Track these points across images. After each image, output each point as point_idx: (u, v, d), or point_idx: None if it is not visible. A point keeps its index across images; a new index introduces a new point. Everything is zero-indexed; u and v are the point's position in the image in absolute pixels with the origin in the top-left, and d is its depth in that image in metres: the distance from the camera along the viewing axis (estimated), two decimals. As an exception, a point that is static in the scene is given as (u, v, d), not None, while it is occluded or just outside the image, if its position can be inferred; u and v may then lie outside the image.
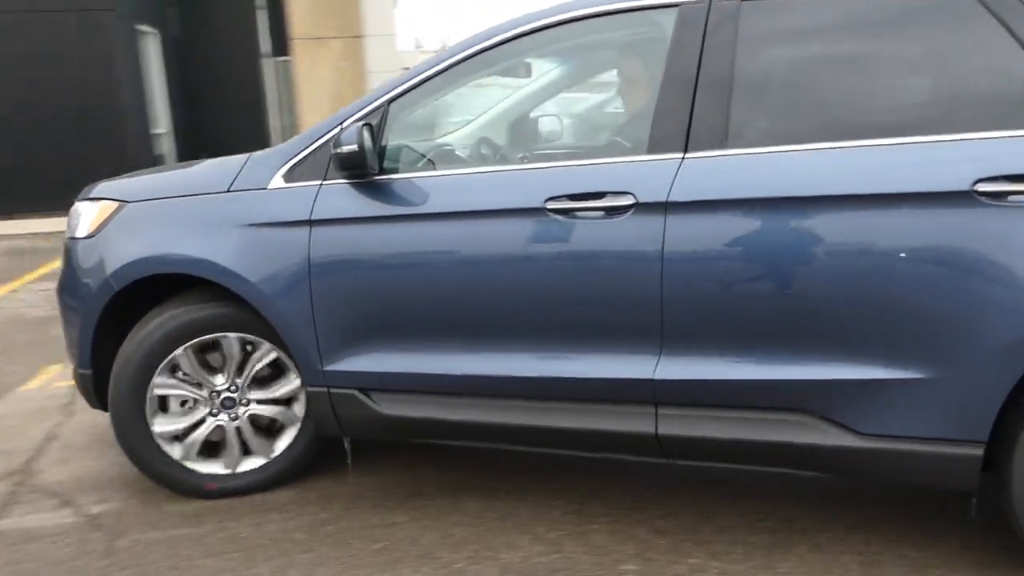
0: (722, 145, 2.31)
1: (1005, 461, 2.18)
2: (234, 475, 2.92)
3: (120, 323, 2.88)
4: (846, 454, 2.27)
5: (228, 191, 2.77)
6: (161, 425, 2.85)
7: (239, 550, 2.61)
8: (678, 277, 2.30)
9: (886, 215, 2.15)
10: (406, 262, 2.60)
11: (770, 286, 2.28)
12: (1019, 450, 2.15)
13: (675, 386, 2.38)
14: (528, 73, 3.52)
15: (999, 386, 2.11)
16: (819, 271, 2.22)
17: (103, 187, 3.05)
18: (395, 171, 2.64)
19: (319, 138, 2.69)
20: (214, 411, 2.87)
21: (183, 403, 2.89)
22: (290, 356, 2.78)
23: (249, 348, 2.85)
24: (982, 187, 2.05)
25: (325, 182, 2.65)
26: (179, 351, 2.79)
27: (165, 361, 2.79)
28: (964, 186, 2.07)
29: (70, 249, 2.98)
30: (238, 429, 2.89)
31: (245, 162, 2.81)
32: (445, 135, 3.47)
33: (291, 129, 11.99)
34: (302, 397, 2.87)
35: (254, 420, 2.91)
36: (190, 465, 2.89)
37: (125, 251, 2.80)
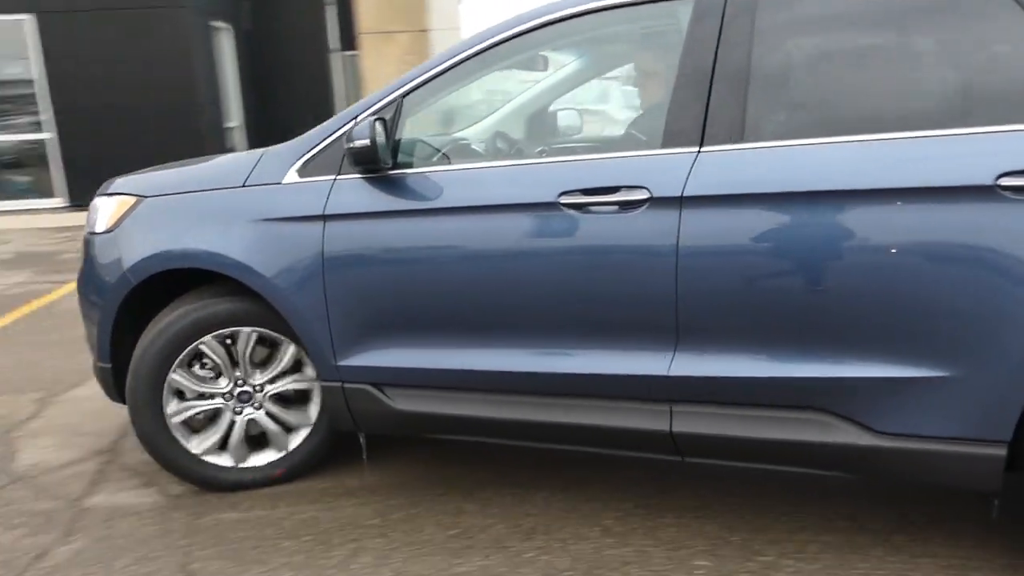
0: (738, 139, 2.27)
1: None
2: (290, 454, 2.97)
3: (139, 318, 2.90)
4: (864, 453, 2.23)
5: (243, 186, 2.76)
6: (177, 417, 2.89)
7: (314, 533, 2.67)
8: (693, 273, 2.27)
9: (906, 210, 2.10)
10: (419, 257, 2.58)
11: (786, 282, 2.24)
12: None
13: (690, 383, 2.35)
14: (545, 66, 3.47)
15: (1022, 385, 2.04)
16: (836, 267, 2.18)
17: (120, 182, 3.08)
18: (409, 165, 2.63)
19: (333, 133, 2.68)
20: (236, 408, 2.91)
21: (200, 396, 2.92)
22: (304, 350, 2.80)
23: (266, 343, 2.86)
24: (1006, 181, 1.99)
25: (339, 177, 2.64)
26: (189, 348, 2.81)
27: (183, 355, 2.82)
28: (987, 180, 2.01)
29: (89, 244, 3.01)
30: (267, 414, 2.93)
31: (260, 157, 2.81)
32: (459, 129, 3.45)
33: (358, 122, 12.11)
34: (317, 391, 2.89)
35: (279, 400, 2.93)
36: (210, 459, 2.93)
37: (142, 246, 2.83)
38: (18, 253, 8.08)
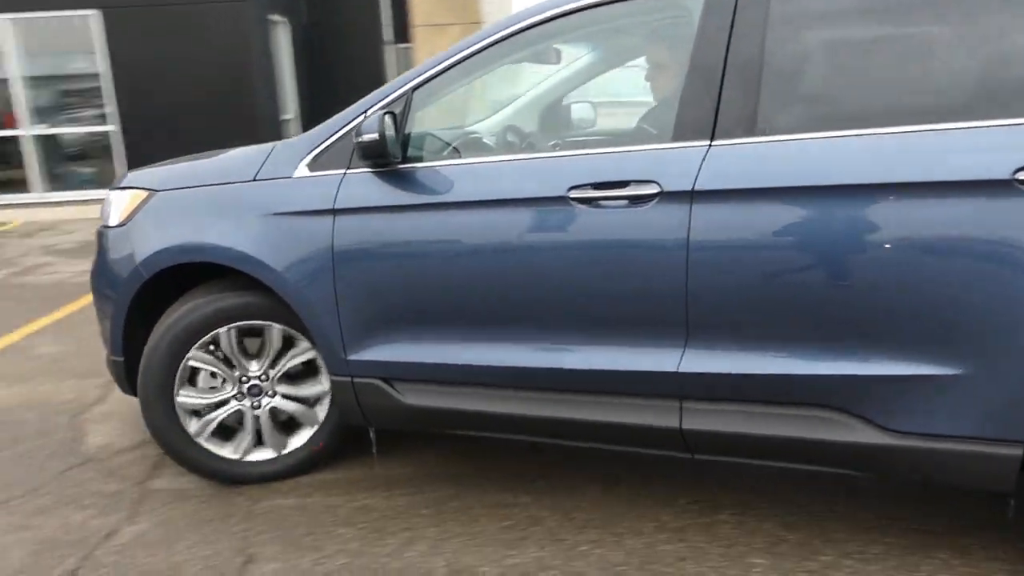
0: (751, 132, 2.22)
1: None
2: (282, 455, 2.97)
3: (151, 311, 2.92)
4: (876, 452, 2.18)
5: (254, 180, 2.76)
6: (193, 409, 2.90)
7: (369, 521, 2.71)
8: (704, 268, 2.23)
9: (921, 205, 2.04)
10: (428, 251, 2.56)
11: (798, 278, 2.19)
12: None
13: (700, 380, 2.31)
14: (558, 59, 3.41)
15: None
16: (849, 263, 2.13)
17: (133, 176, 3.09)
18: (419, 159, 2.61)
19: (344, 126, 2.66)
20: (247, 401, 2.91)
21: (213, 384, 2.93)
22: (314, 344, 2.79)
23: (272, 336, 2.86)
24: None
25: (349, 171, 2.63)
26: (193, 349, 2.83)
27: (196, 345, 2.83)
28: (1004, 174, 1.95)
29: (103, 237, 3.03)
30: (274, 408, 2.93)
31: (271, 151, 2.81)
32: (469, 123, 3.42)
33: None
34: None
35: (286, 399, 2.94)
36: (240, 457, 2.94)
37: (153, 240, 2.83)
38: (82, 243, 8.33)
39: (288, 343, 2.87)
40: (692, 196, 2.23)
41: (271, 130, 11.66)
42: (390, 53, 14.00)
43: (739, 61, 2.24)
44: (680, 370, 2.32)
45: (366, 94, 2.72)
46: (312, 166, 2.69)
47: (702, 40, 2.30)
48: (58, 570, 2.51)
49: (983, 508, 2.57)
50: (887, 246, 2.08)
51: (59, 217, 10.16)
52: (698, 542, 2.50)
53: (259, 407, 2.92)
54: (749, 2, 2.26)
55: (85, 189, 10.91)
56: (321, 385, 2.90)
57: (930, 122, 2.08)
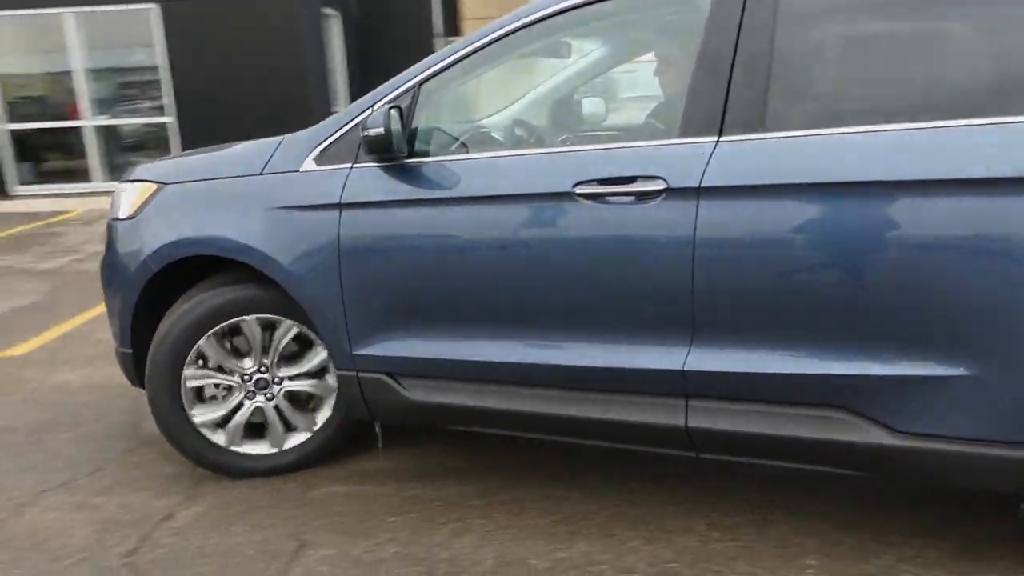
0: (759, 128, 2.17)
1: None
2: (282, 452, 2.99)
3: (160, 304, 2.93)
4: (883, 453, 2.14)
5: (261, 173, 2.76)
6: (201, 413, 2.93)
7: (419, 510, 2.73)
8: (710, 265, 2.20)
9: (932, 202, 1.99)
10: (434, 246, 2.55)
11: (805, 276, 2.15)
12: None
13: (706, 378, 2.28)
14: (568, 53, 3.37)
15: None
16: (858, 261, 2.08)
17: (142, 169, 3.09)
18: (425, 154, 2.60)
19: (351, 120, 2.65)
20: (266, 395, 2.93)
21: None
22: (320, 338, 2.78)
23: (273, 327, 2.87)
24: None
25: (355, 165, 2.61)
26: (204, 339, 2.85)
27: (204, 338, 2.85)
28: (1018, 172, 1.89)
29: (112, 230, 3.03)
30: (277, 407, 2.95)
31: (278, 145, 2.80)
32: (477, 117, 3.38)
33: (460, 107, 12.28)
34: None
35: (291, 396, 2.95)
36: (236, 448, 2.97)
37: (161, 233, 2.84)
38: (141, 231, 8.52)
39: (301, 340, 2.89)
40: (699, 192, 2.20)
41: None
42: (440, 46, 14.06)
43: (748, 55, 2.20)
44: (686, 368, 2.30)
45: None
46: (319, 160, 2.69)
47: (711, 34, 2.27)
48: (119, 549, 2.59)
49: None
50: (896, 244, 2.04)
51: (118, 206, 10.42)
52: (751, 541, 2.47)
53: (273, 397, 2.94)
54: None
55: (143, 179, 11.16)
56: (320, 356, 2.89)
57: (942, 119, 2.03)
